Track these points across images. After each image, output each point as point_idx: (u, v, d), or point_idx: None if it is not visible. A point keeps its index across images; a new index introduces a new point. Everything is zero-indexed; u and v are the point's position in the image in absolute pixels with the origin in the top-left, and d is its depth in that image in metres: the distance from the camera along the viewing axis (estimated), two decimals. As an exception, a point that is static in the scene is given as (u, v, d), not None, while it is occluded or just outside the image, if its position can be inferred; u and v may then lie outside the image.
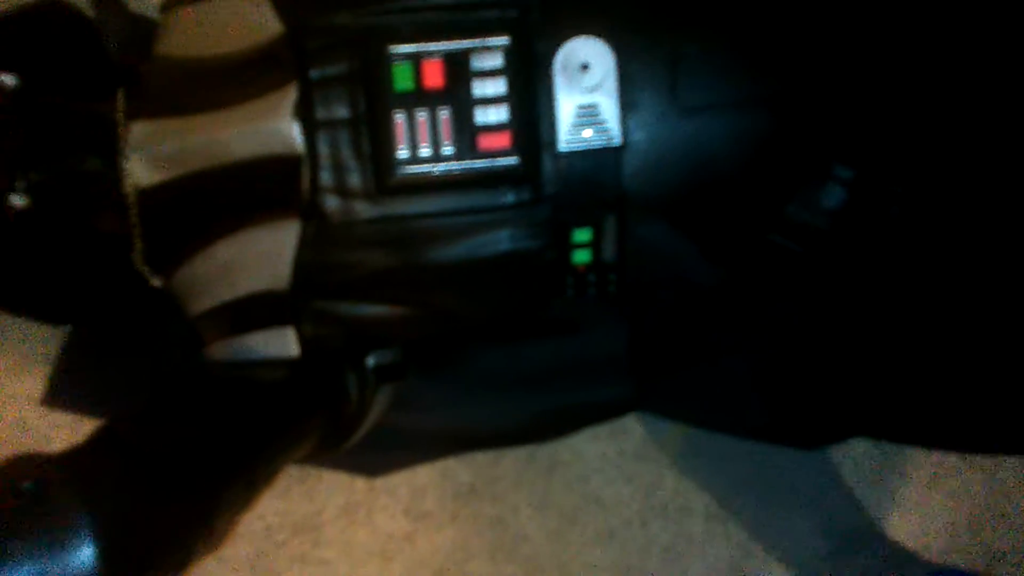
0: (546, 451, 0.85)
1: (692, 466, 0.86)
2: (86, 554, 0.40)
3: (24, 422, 0.79)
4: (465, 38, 0.52)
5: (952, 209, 0.60)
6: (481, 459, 0.84)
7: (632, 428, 0.86)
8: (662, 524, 0.86)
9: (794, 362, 0.69)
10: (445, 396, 0.79)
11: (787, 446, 0.80)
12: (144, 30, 0.69)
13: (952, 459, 0.87)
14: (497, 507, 0.85)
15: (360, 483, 0.83)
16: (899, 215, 0.59)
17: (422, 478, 0.84)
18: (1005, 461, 0.86)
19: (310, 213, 0.54)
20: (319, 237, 0.54)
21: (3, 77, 0.54)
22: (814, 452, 0.83)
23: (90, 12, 0.65)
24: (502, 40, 0.52)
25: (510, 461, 0.85)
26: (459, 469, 0.84)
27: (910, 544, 0.86)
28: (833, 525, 0.85)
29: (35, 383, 0.79)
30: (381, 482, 0.83)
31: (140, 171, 0.57)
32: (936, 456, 0.88)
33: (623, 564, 0.86)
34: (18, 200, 0.53)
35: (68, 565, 0.40)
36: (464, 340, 0.74)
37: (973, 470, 0.87)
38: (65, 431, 0.78)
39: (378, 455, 0.81)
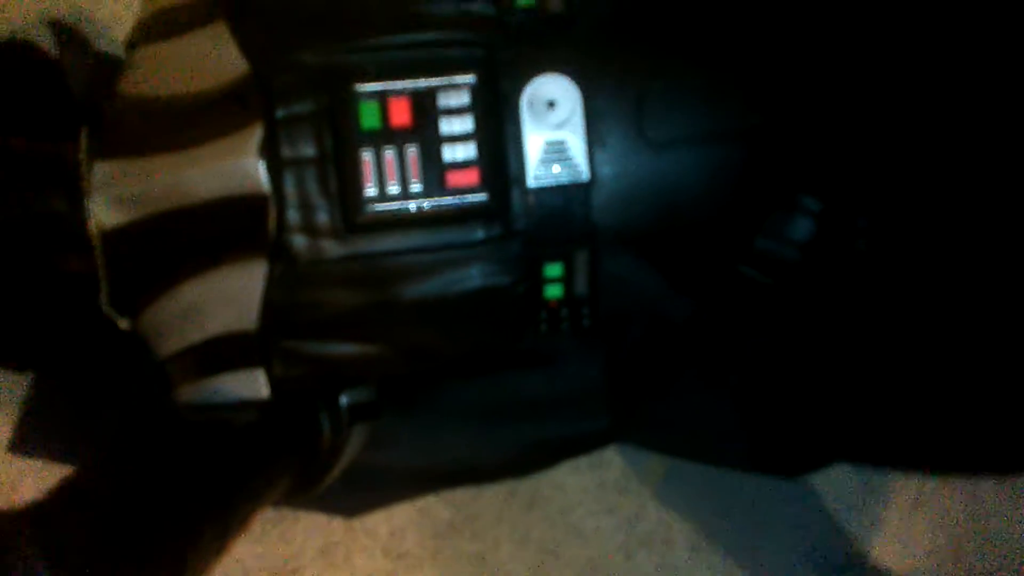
0: (526, 486, 0.84)
1: (674, 496, 0.85)
2: None
3: (-11, 470, 0.77)
4: (432, 76, 0.52)
5: (918, 241, 0.60)
6: (460, 496, 0.83)
7: (612, 460, 0.85)
8: (646, 555, 0.85)
9: (769, 391, 0.69)
10: (421, 433, 0.78)
11: (768, 475, 0.80)
12: (109, 69, 0.68)
13: (933, 484, 0.87)
14: (477, 544, 0.84)
15: (338, 524, 0.82)
16: (866, 247, 0.59)
17: (401, 517, 0.83)
18: (985, 484, 0.86)
19: (277, 253, 0.53)
20: (287, 276, 0.54)
21: (-37, 119, 0.54)
22: (795, 480, 0.83)
23: (54, 52, 0.64)
24: (468, 78, 0.52)
25: (490, 497, 0.84)
26: (438, 507, 0.83)
27: (894, 569, 0.85)
28: (817, 552, 0.85)
29: (1, 430, 0.77)
30: (359, 522, 0.82)
31: (104, 212, 0.56)
32: (917, 481, 0.88)
33: (607, 598, 0.85)
34: None
35: None
36: (438, 376, 0.74)
37: (954, 493, 0.87)
38: (31, 478, 0.76)
39: (355, 495, 0.79)
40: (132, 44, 0.63)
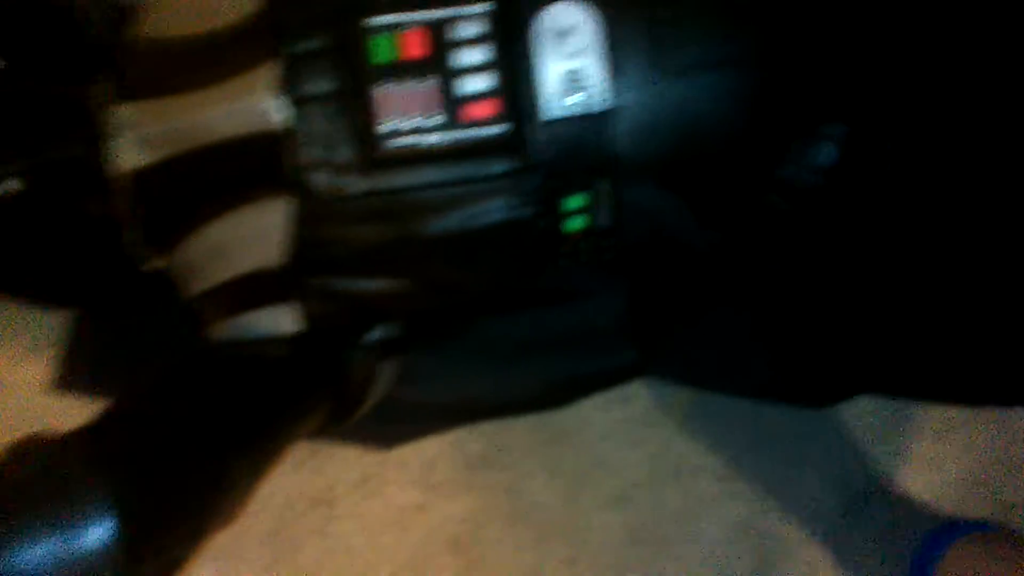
0: (554, 419, 0.85)
1: (700, 429, 0.86)
2: (103, 529, 0.41)
3: (29, 410, 0.80)
4: (447, 6, 0.51)
5: (945, 164, 0.58)
6: (490, 429, 0.85)
7: (638, 394, 0.86)
8: (673, 487, 0.87)
9: (794, 320, 0.68)
10: (450, 369, 0.79)
11: (794, 405, 0.80)
12: (123, 13, 0.68)
13: (961, 413, 0.87)
14: (508, 475, 0.85)
15: (371, 457, 0.84)
16: (891, 170, 0.58)
17: (433, 450, 0.85)
18: (1014, 413, 0.86)
19: (298, 190, 0.54)
20: (310, 213, 0.54)
21: (-11, 62, 0.54)
22: (822, 410, 0.83)
23: (71, -3, 0.64)
24: (485, 7, 0.51)
25: (519, 430, 0.85)
26: (469, 439, 0.85)
27: (922, 497, 0.86)
28: (844, 481, 0.85)
29: (39, 371, 0.80)
30: (392, 455, 0.84)
31: (124, 155, 0.57)
32: (944, 411, 0.87)
33: (637, 525, 0.86)
34: (11, 183, 0.53)
35: (85, 540, 0.40)
36: (465, 313, 0.74)
37: (982, 423, 0.87)
38: (70, 418, 0.79)
39: (387, 428, 0.81)
40: (148, -15, 0.62)
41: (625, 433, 0.86)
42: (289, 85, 0.52)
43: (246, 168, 0.54)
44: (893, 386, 0.78)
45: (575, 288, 0.73)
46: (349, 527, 0.85)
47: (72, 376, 0.76)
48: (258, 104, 0.52)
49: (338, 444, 0.84)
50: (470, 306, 0.70)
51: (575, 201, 0.55)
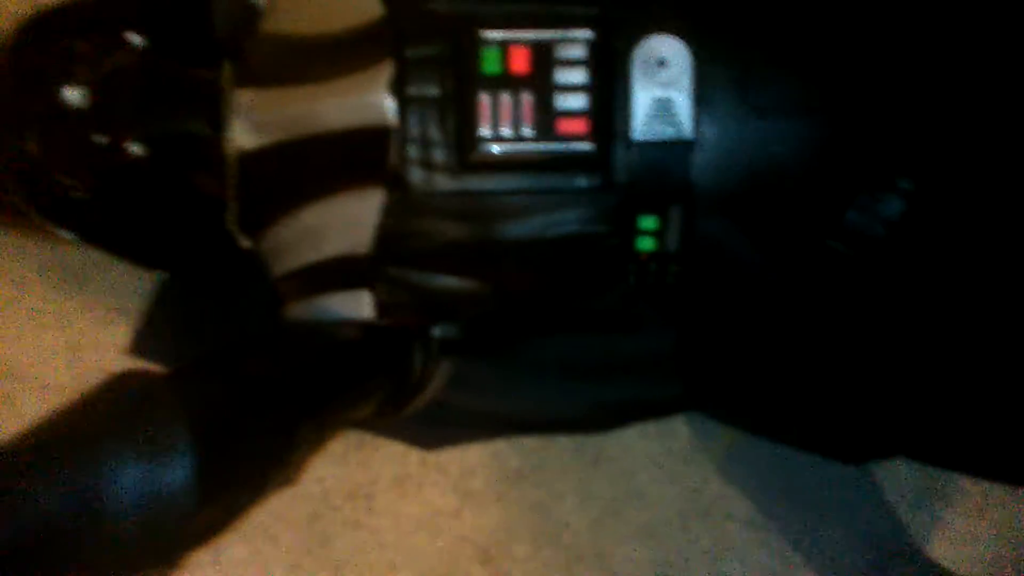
0: (593, 443, 0.87)
1: (737, 472, 0.87)
2: (183, 465, 0.44)
3: (109, 370, 0.84)
4: (552, 29, 0.56)
5: (1010, 235, 0.60)
6: (530, 444, 0.87)
7: (680, 430, 0.88)
8: (703, 527, 0.87)
9: (840, 370, 0.70)
10: (502, 380, 0.82)
11: (832, 459, 0.81)
12: (250, 11, 0.74)
13: (1002, 491, 0.87)
14: (542, 492, 0.87)
15: (414, 456, 0.87)
16: (954, 231, 0.60)
17: (472, 458, 0.87)
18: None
19: (395, 183, 0.58)
20: (401, 206, 0.58)
21: (133, 37, 0.60)
22: (859, 467, 0.84)
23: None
24: (586, 34, 0.56)
25: (558, 449, 0.87)
26: (509, 452, 0.87)
27: (952, 569, 0.85)
28: (873, 542, 0.85)
29: (121, 333, 0.84)
30: (433, 457, 0.87)
31: (240, 136, 0.62)
32: (984, 486, 0.87)
33: (662, 561, 0.87)
34: (136, 148, 0.58)
35: (166, 473, 0.44)
36: (523, 326, 0.77)
37: (1022, 504, 0.86)
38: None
39: (432, 430, 0.84)
40: (275, -12, 0.68)
41: (662, 466, 0.87)
42: (401, 86, 0.57)
43: (350, 158, 0.59)
44: (931, 453, 0.79)
45: (632, 315, 0.76)
46: (383, 524, 0.87)
47: (151, 340, 0.81)
48: (371, 100, 0.57)
49: (383, 439, 0.86)
50: (531, 319, 0.73)
51: (647, 222, 0.59)
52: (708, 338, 0.76)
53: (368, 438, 0.86)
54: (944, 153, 0.58)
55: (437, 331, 0.68)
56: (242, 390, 0.52)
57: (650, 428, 0.87)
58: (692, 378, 0.80)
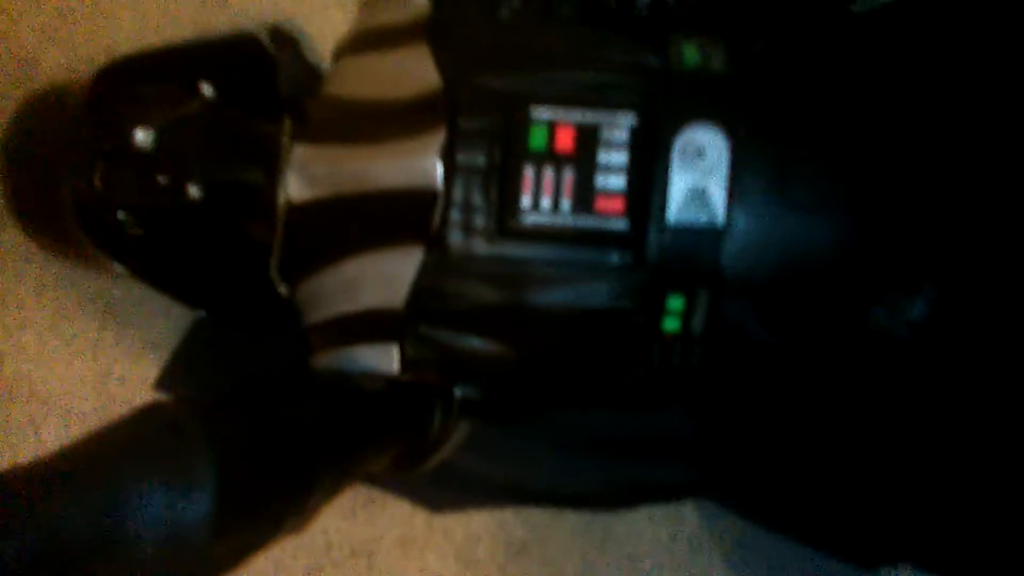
0: (601, 522, 0.87)
1: (743, 564, 0.86)
2: (204, 499, 0.45)
3: (132, 403, 0.86)
4: (598, 111, 0.59)
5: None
6: (538, 518, 0.87)
7: (690, 516, 0.87)
8: (705, 620, 0.86)
9: (853, 469, 0.70)
10: (517, 449, 0.82)
11: (838, 558, 0.80)
12: (311, 75, 0.79)
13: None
14: (546, 569, 0.86)
15: (419, 518, 0.86)
16: (975, 342, 0.61)
17: (478, 525, 0.87)
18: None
19: (435, 243, 0.60)
20: (438, 266, 0.61)
21: (205, 86, 0.64)
22: (865, 570, 0.82)
23: (272, 50, 0.75)
24: (629, 119, 0.59)
25: (565, 526, 0.87)
26: (515, 524, 0.87)
27: None
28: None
29: (150, 368, 0.86)
30: (439, 521, 0.86)
31: (294, 188, 0.65)
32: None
33: (661, 652, 0.85)
34: (195, 191, 0.62)
35: (187, 505, 0.44)
36: (545, 396, 0.78)
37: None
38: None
39: (442, 492, 0.84)
40: (338, 54, 0.73)
41: (669, 552, 0.86)
42: (450, 153, 0.60)
43: (395, 216, 0.62)
44: (936, 562, 0.77)
45: (652, 396, 0.76)
46: (382, 584, 0.87)
47: (178, 377, 0.82)
48: (421, 164, 0.60)
49: (391, 497, 0.86)
50: (553, 389, 0.74)
51: (675, 303, 0.60)
52: (726, 425, 0.76)
53: (376, 495, 0.86)
54: (972, 264, 0.59)
55: (459, 391, 0.69)
56: (267, 432, 0.53)
57: (660, 512, 0.86)
58: (708, 464, 0.80)
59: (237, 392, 0.56)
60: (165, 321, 0.88)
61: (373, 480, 0.81)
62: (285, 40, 0.79)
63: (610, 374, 0.68)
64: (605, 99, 0.59)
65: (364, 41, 0.70)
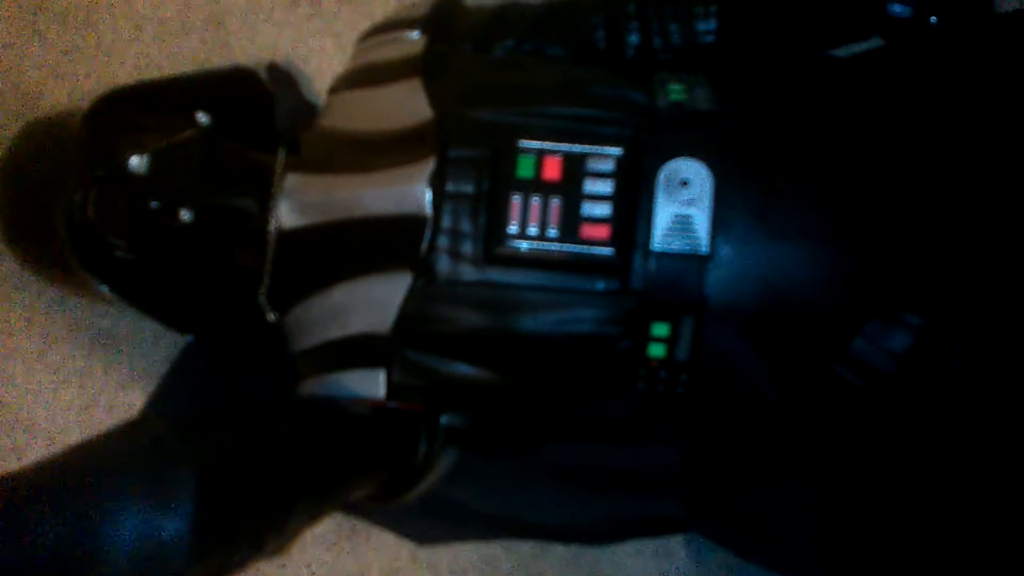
0: (588, 557, 0.86)
1: (732, 602, 0.85)
2: (184, 514, 0.44)
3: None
4: (585, 144, 0.60)
5: (1016, 374, 0.62)
6: (526, 551, 0.86)
7: (677, 551, 0.86)
8: (693, 658, 0.85)
9: (838, 500, 0.70)
10: (503, 480, 0.81)
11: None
12: (307, 110, 0.81)
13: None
14: (532, 604, 0.85)
15: (405, 551, 0.86)
16: (961, 371, 0.62)
17: (464, 558, 0.86)
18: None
19: (423, 269, 0.61)
20: (426, 291, 0.61)
21: (200, 115, 0.65)
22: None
23: (270, 86, 0.77)
24: (616, 151, 0.60)
25: (553, 560, 0.86)
26: (502, 556, 0.86)
27: None
28: None
29: (136, 397, 0.86)
30: (424, 554, 0.86)
31: (285, 215, 0.66)
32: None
33: None
34: (186, 215, 0.62)
35: (166, 520, 0.44)
36: (531, 426, 0.78)
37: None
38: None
39: (427, 523, 0.83)
40: (334, 89, 0.75)
41: (656, 588, 0.86)
42: (439, 181, 0.61)
43: (384, 243, 0.62)
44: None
45: (641, 432, 0.76)
46: (367, 620, 0.85)
47: (164, 406, 0.82)
48: (410, 191, 0.61)
49: (376, 528, 0.86)
50: (539, 418, 0.74)
51: (660, 329, 0.61)
52: (714, 454, 0.76)
53: (361, 526, 0.86)
54: (956, 294, 0.60)
55: (445, 419, 0.69)
56: (249, 452, 0.53)
57: (648, 547, 0.86)
58: (697, 497, 0.80)
59: (221, 411, 0.56)
60: (153, 351, 0.88)
61: (357, 511, 0.81)
62: (283, 77, 0.81)
63: (598, 399, 0.68)
64: (593, 132, 0.61)
65: (359, 77, 0.72)
